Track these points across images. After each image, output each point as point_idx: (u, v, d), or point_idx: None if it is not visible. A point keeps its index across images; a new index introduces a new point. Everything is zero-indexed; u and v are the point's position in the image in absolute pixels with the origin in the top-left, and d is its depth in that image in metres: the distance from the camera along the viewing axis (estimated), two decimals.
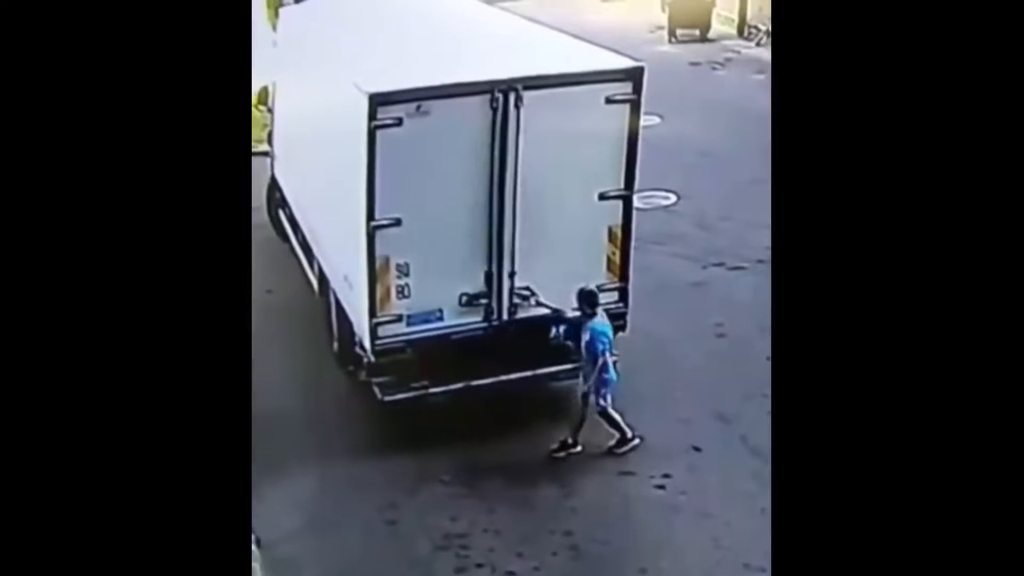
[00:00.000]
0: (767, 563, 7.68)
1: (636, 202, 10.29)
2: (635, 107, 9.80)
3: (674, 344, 11.53)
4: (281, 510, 9.18)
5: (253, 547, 8.58)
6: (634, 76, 9.77)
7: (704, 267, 13.26)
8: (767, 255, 11.90)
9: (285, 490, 9.45)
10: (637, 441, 9.97)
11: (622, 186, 10.04)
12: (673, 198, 14.76)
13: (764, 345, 7.93)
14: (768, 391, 7.96)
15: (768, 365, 5.45)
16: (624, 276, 10.29)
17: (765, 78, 13.59)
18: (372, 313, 9.72)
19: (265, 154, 13.97)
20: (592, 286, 9.90)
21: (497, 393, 10.08)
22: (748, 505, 9.11)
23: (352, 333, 10.47)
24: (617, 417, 9.92)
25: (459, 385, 10.07)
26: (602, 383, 9.76)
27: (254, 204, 13.59)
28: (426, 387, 10.03)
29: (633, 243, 10.23)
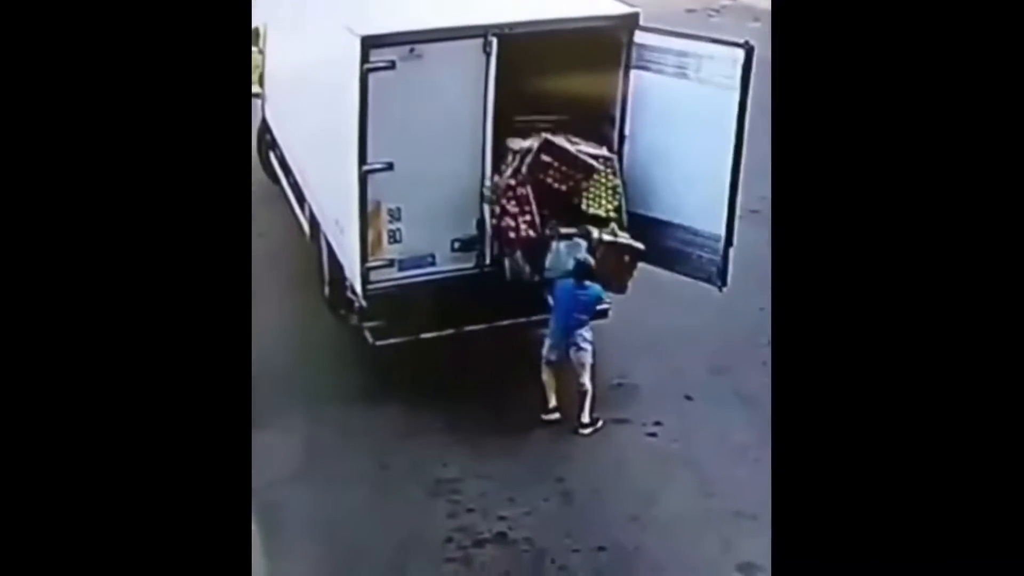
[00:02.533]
0: (760, 511, 7.76)
1: None
2: (630, 55, 9.74)
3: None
4: (272, 454, 9.16)
5: None
6: (629, 22, 9.69)
7: None
8: (761, 205, 11.86)
9: (276, 434, 9.43)
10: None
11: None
12: None
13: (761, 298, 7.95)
14: (763, 341, 8.04)
15: (763, 315, 5.46)
16: None
17: (761, 25, 13.44)
18: (364, 257, 9.69)
19: (257, 96, 13.85)
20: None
21: (489, 339, 10.09)
22: (741, 455, 9.16)
23: (343, 277, 10.47)
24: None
25: (450, 330, 10.09)
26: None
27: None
28: (417, 332, 10.04)
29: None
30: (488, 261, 10.05)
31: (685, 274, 10.16)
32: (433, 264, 9.93)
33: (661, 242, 10.09)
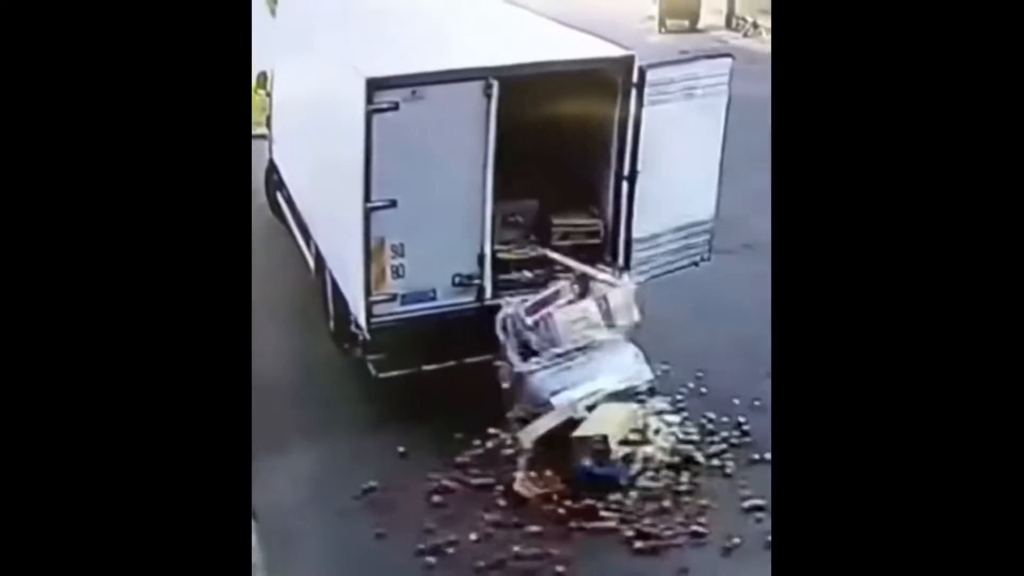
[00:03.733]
0: None
1: None
2: (627, 95, 10.12)
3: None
4: (277, 484, 9.41)
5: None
6: (625, 65, 10.05)
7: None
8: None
9: (281, 464, 9.69)
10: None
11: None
12: None
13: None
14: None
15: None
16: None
17: (753, 68, 13.75)
18: (367, 292, 9.96)
19: (263, 137, 14.20)
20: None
21: (489, 371, 10.32)
22: None
23: (348, 312, 10.71)
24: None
25: (451, 363, 10.33)
26: None
27: (252, 186, 13.96)
28: (419, 364, 10.29)
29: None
30: (488, 296, 10.33)
31: (677, 268, 11.01)
32: (435, 299, 10.20)
33: (659, 249, 10.86)
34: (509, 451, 9.77)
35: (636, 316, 10.28)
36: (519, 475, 9.41)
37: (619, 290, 10.34)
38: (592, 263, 10.62)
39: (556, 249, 10.75)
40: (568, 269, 10.51)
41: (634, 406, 9.59)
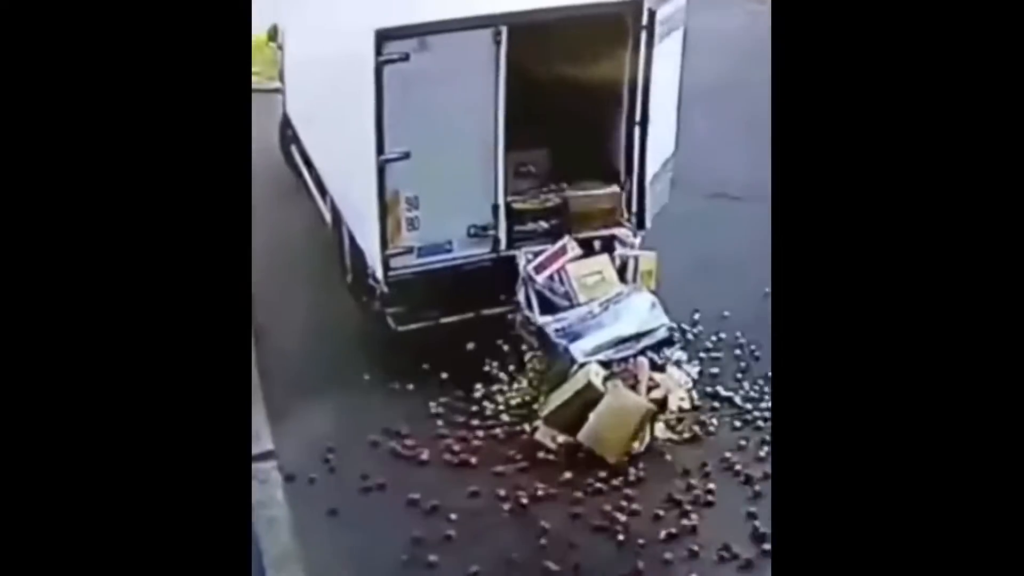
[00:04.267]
0: None
1: None
2: (638, 39, 10.02)
3: None
4: (300, 440, 9.49)
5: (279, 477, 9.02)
6: (634, 7, 9.94)
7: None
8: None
9: (303, 420, 9.74)
10: None
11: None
12: None
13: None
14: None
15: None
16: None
17: (764, 8, 13.52)
18: (384, 245, 9.98)
19: (277, 91, 14.13)
20: None
21: (508, 322, 10.38)
22: None
23: (365, 265, 10.72)
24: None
25: (469, 315, 10.35)
26: None
27: (269, 140, 13.94)
28: (437, 317, 10.33)
29: None
30: (504, 247, 10.34)
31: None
32: (451, 251, 10.21)
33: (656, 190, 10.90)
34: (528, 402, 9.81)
35: (653, 285, 10.36)
36: (540, 425, 9.40)
37: (641, 255, 10.41)
38: (609, 226, 10.60)
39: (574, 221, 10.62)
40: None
41: (643, 401, 9.50)
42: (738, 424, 9.69)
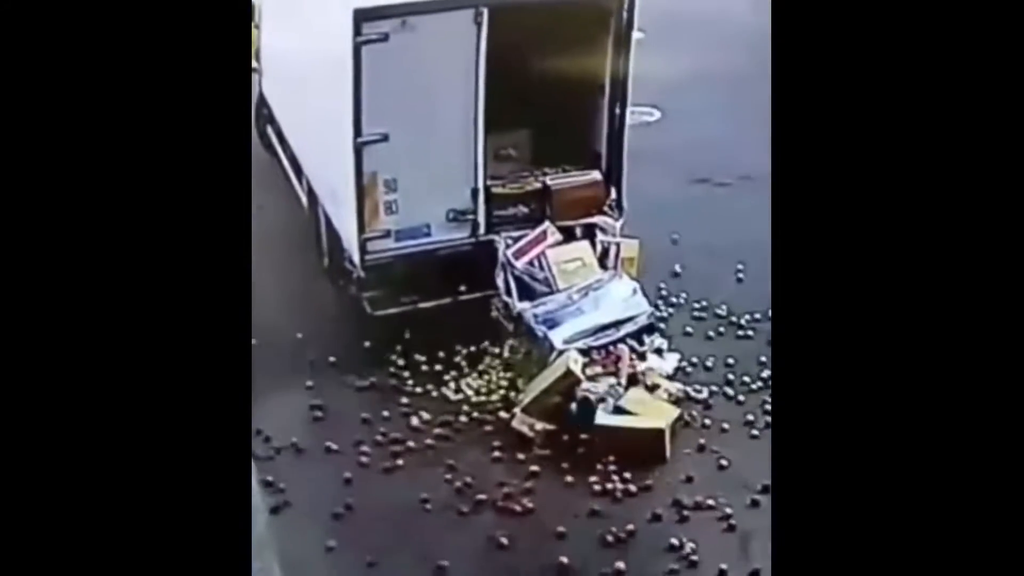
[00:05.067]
0: None
1: None
2: (619, 24, 9.92)
3: None
4: (280, 424, 9.39)
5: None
6: None
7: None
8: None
9: (282, 403, 9.65)
10: None
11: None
12: (658, 114, 14.77)
13: None
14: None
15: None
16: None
17: None
18: (361, 229, 9.90)
19: (253, 70, 13.94)
20: None
21: (484, 307, 10.26)
22: None
23: (341, 249, 10.62)
24: None
25: (447, 300, 10.25)
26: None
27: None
28: (415, 301, 10.21)
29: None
30: (483, 231, 10.22)
31: None
32: (429, 235, 10.12)
33: None
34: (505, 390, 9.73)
35: (635, 272, 10.31)
36: (517, 412, 9.31)
37: (624, 242, 10.31)
38: (590, 212, 10.46)
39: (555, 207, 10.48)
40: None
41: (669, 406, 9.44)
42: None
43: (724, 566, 8.03)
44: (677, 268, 11.25)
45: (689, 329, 10.53)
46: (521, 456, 9.06)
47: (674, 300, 10.92)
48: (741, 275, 11.20)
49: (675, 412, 9.31)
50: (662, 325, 10.27)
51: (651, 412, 9.25)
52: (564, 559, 8.09)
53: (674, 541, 8.20)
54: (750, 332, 10.46)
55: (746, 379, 9.86)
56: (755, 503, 8.51)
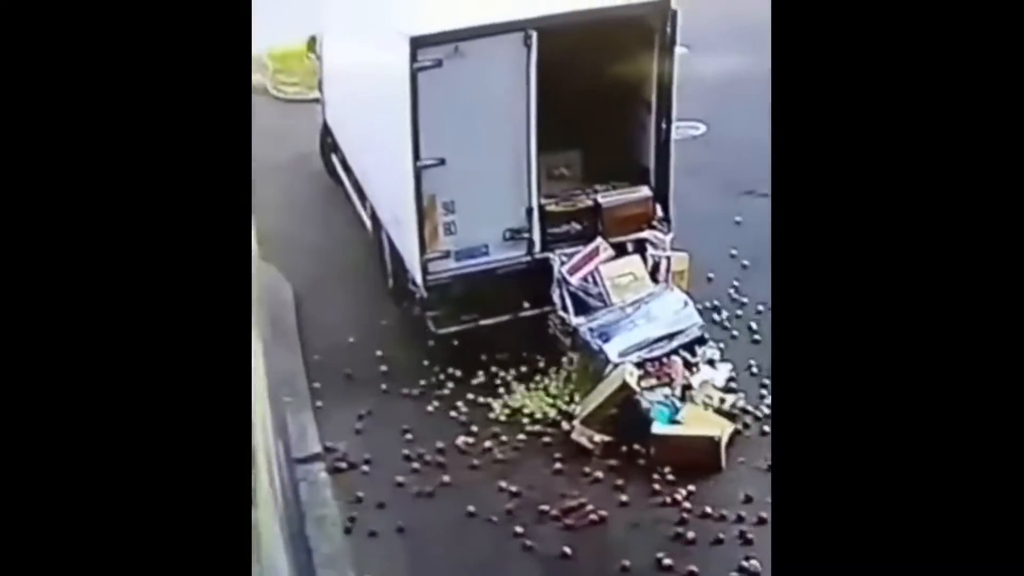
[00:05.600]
0: None
1: None
2: (663, 41, 10.13)
3: None
4: (346, 439, 9.72)
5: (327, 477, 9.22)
6: (661, 8, 10.05)
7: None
8: None
9: (348, 420, 9.96)
10: None
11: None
12: (703, 128, 14.87)
13: None
14: None
15: None
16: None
17: None
18: (422, 250, 10.16)
19: (316, 100, 14.32)
20: None
21: (542, 324, 10.51)
22: None
23: (404, 270, 10.91)
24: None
25: (507, 317, 10.51)
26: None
27: (309, 149, 14.16)
28: (476, 319, 10.48)
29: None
30: (538, 249, 10.44)
31: None
32: (487, 254, 10.36)
33: None
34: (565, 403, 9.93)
35: (685, 285, 10.46)
36: (576, 424, 9.51)
37: (674, 255, 10.47)
38: (640, 227, 10.64)
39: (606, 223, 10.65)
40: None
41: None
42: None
43: None
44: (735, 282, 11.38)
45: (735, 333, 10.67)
46: (585, 468, 9.24)
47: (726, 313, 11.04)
48: None
49: (730, 426, 9.43)
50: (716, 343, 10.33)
51: (706, 425, 9.39)
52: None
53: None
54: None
55: None
56: None
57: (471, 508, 8.89)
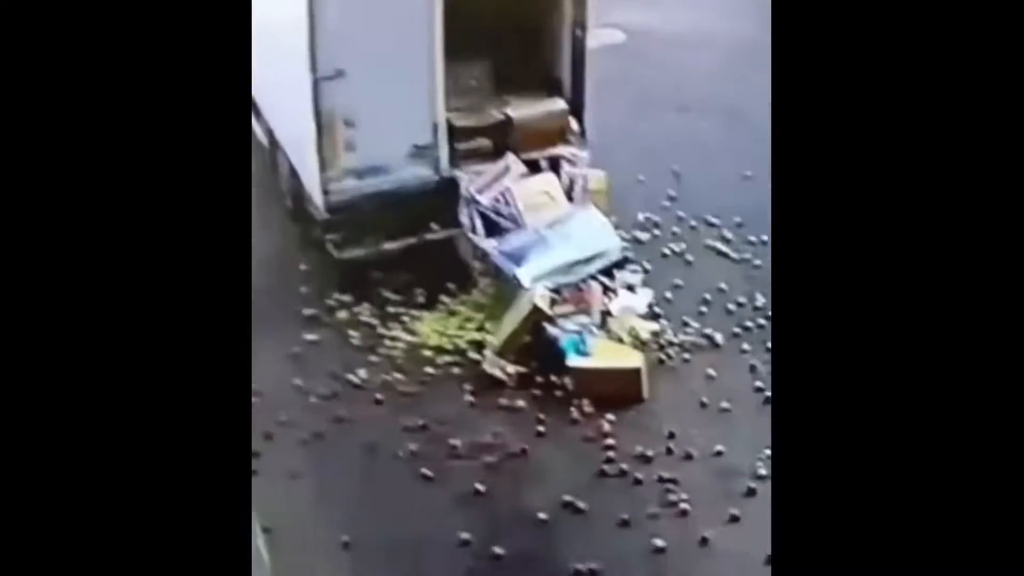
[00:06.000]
0: None
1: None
2: None
3: None
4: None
5: None
6: None
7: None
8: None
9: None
10: None
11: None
12: (622, 36, 14.37)
13: None
14: None
15: None
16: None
17: None
18: (322, 168, 9.68)
19: None
20: None
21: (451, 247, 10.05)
22: None
23: (303, 190, 10.39)
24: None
25: (413, 239, 10.03)
26: None
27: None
28: (378, 243, 10.00)
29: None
30: (446, 166, 9.98)
31: None
32: (390, 172, 9.88)
33: None
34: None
35: (605, 205, 10.03)
36: (488, 355, 9.04)
37: (590, 173, 10.08)
38: (555, 143, 10.23)
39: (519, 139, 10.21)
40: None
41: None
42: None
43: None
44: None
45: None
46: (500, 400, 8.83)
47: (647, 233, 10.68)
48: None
49: (639, 358, 9.00)
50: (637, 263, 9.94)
51: (618, 356, 9.00)
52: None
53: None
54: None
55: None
56: None
57: (372, 443, 8.47)
